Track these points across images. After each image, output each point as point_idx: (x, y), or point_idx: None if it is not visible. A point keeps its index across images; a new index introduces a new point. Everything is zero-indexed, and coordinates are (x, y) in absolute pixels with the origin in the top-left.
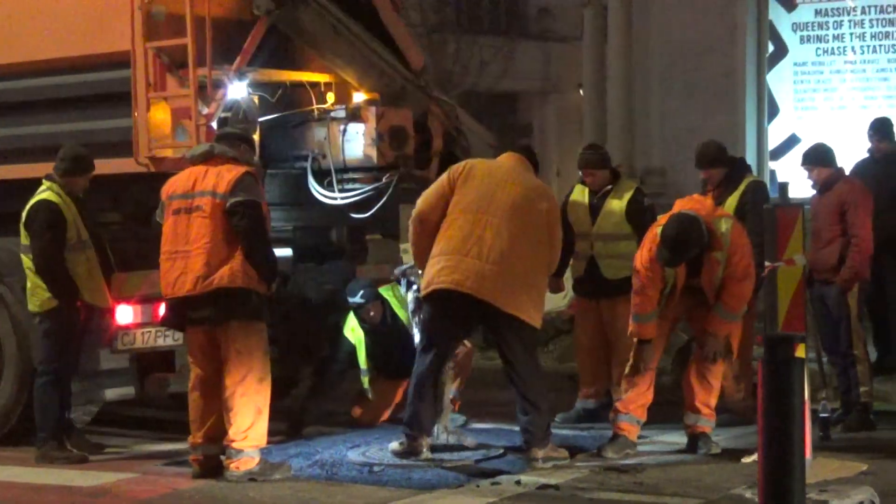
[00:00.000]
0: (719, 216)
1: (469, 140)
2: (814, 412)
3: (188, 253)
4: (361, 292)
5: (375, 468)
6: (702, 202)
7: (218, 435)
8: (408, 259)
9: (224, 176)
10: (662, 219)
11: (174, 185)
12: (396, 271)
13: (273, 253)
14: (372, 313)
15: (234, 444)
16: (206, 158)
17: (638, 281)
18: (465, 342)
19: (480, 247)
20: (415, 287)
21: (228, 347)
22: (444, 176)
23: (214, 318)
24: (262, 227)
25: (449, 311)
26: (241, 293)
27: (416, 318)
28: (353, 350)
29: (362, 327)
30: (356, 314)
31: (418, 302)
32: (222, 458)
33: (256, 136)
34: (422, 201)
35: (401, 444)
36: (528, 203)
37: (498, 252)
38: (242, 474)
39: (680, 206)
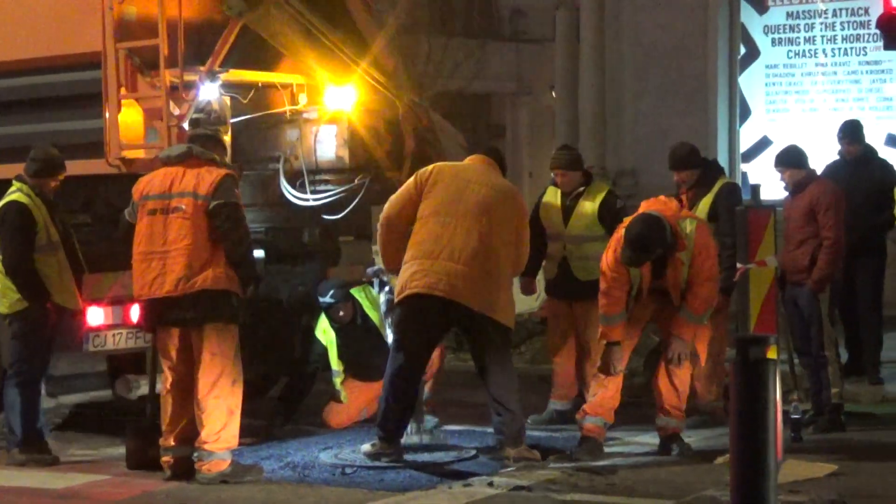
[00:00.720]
0: (684, 217)
1: (441, 141)
2: (785, 413)
3: (166, 254)
4: (332, 292)
5: (347, 470)
6: (667, 203)
7: (190, 437)
8: (380, 261)
9: (205, 177)
10: (628, 220)
11: (149, 186)
12: (369, 271)
13: (253, 255)
14: (342, 314)
15: (205, 446)
16: (184, 159)
17: (604, 282)
18: None
19: (452, 248)
20: (387, 288)
21: (202, 350)
22: (411, 180)
23: (193, 319)
24: (244, 230)
25: (423, 314)
26: (223, 296)
27: (389, 320)
28: (324, 351)
29: (333, 328)
30: (327, 314)
31: (390, 303)
32: (194, 459)
33: (228, 138)
34: (389, 206)
35: (373, 445)
36: (497, 204)
37: (469, 253)
38: (214, 476)
39: (646, 207)
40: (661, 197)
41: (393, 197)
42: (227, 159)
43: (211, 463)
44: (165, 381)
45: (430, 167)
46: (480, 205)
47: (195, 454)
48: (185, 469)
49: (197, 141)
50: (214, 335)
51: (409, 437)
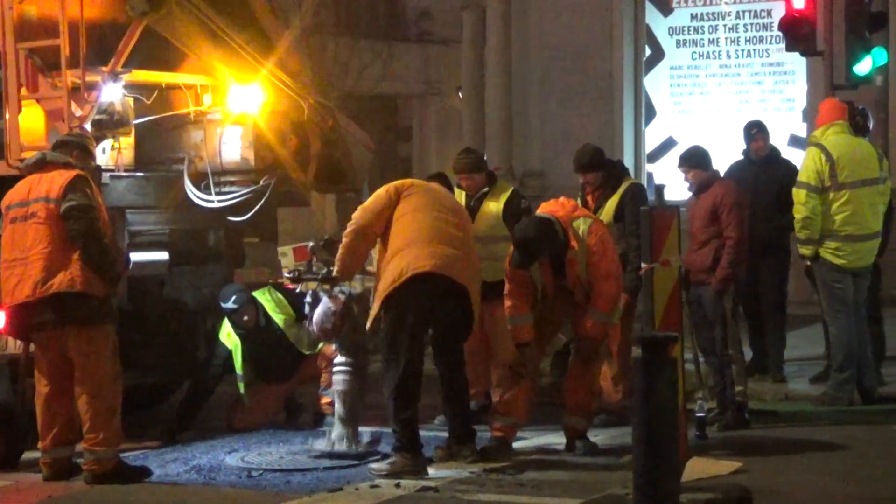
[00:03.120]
0: (578, 216)
1: (347, 142)
2: (690, 412)
3: (25, 259)
4: (234, 297)
5: (254, 473)
6: (563, 204)
7: (67, 438)
8: (286, 262)
9: (56, 181)
10: None
11: (11, 196)
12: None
13: (110, 254)
14: (245, 318)
15: (89, 447)
16: (41, 166)
17: (508, 284)
18: None
19: (448, 236)
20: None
21: (76, 352)
22: (386, 190)
23: (52, 322)
24: (95, 230)
25: (428, 294)
26: (80, 297)
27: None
28: (228, 355)
29: (237, 332)
30: (230, 319)
31: (316, 296)
32: (79, 461)
33: (131, 139)
34: (363, 213)
35: (391, 464)
36: (463, 209)
37: (460, 241)
38: (99, 476)
39: (542, 208)
40: (561, 198)
41: (365, 207)
42: (93, 163)
43: (95, 462)
44: (39, 383)
45: (404, 181)
46: (457, 207)
47: (86, 455)
48: (63, 470)
49: (61, 147)
50: (85, 337)
51: (339, 448)
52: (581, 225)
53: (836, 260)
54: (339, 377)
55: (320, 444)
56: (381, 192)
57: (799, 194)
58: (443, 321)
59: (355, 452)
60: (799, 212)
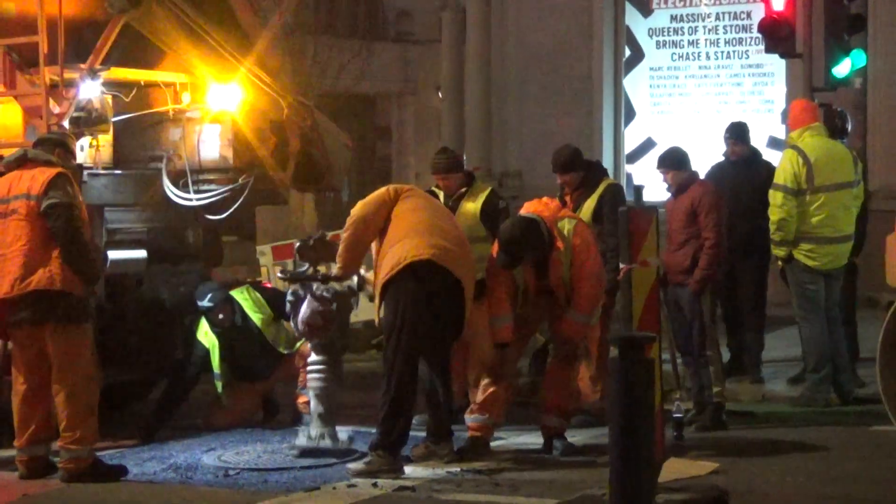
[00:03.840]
0: (562, 217)
1: (326, 141)
2: (667, 412)
3: (4, 256)
4: (209, 296)
5: (231, 472)
6: (547, 204)
7: (43, 437)
8: (264, 261)
9: (37, 178)
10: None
11: None
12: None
13: (90, 253)
14: (221, 317)
15: (65, 445)
16: (21, 164)
17: (489, 283)
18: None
19: (444, 232)
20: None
21: (54, 350)
22: (387, 189)
23: (30, 319)
24: (76, 228)
25: (426, 283)
26: (59, 296)
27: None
28: (206, 354)
29: (214, 331)
30: (206, 318)
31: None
32: (56, 460)
33: (110, 137)
34: (364, 207)
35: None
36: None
37: (457, 238)
38: (75, 474)
39: (526, 208)
40: (544, 198)
41: (367, 200)
42: (74, 161)
43: (72, 461)
44: (16, 381)
45: (399, 184)
46: (450, 213)
47: (62, 453)
48: (40, 468)
49: (42, 145)
50: (62, 335)
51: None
52: (566, 225)
53: (810, 262)
54: (314, 376)
55: (302, 441)
56: (381, 190)
57: (776, 196)
58: (437, 315)
59: (338, 449)
60: (775, 213)
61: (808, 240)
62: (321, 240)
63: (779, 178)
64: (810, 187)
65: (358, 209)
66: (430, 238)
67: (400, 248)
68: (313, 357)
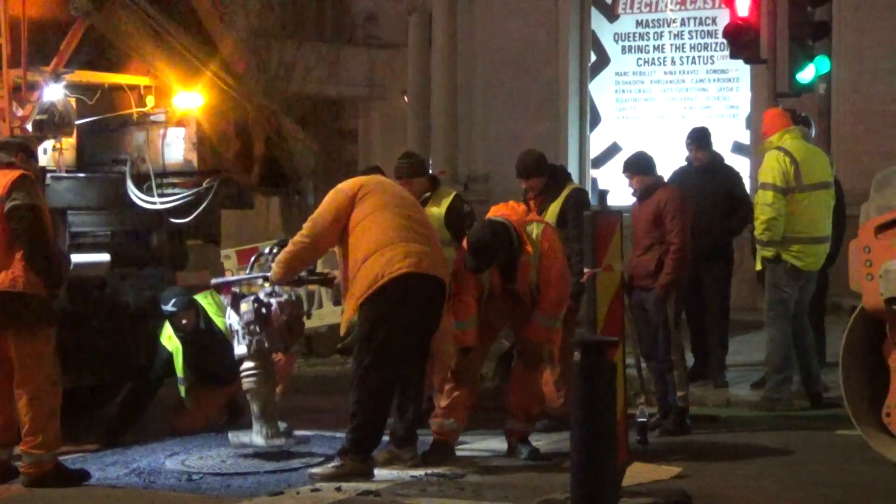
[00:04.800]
0: (531, 221)
1: (291, 145)
2: (631, 417)
3: None
4: (173, 300)
5: (194, 476)
6: (514, 208)
7: (5, 441)
8: (228, 265)
9: (0, 181)
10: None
11: None
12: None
13: (53, 255)
14: (185, 321)
15: (27, 449)
16: None
17: (455, 287)
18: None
19: (416, 233)
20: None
21: (16, 354)
22: (335, 199)
23: None
24: (39, 231)
25: (406, 296)
26: (21, 298)
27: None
28: (170, 358)
29: (178, 335)
30: (170, 323)
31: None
32: (17, 464)
33: (73, 140)
34: (313, 227)
35: (337, 467)
36: (413, 198)
37: (426, 236)
38: (37, 479)
39: (493, 212)
40: (511, 202)
41: (316, 217)
42: (37, 164)
43: (33, 465)
44: None
45: (350, 184)
46: (409, 197)
47: (24, 458)
48: (1, 473)
49: (3, 149)
50: (25, 339)
51: (258, 442)
52: (534, 229)
53: (798, 262)
54: (247, 379)
55: (240, 439)
56: (329, 203)
57: (765, 195)
58: (418, 322)
59: (273, 446)
60: (765, 213)
61: (795, 240)
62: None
63: (766, 178)
64: (798, 186)
65: (309, 229)
66: (402, 246)
67: (374, 263)
68: (247, 364)
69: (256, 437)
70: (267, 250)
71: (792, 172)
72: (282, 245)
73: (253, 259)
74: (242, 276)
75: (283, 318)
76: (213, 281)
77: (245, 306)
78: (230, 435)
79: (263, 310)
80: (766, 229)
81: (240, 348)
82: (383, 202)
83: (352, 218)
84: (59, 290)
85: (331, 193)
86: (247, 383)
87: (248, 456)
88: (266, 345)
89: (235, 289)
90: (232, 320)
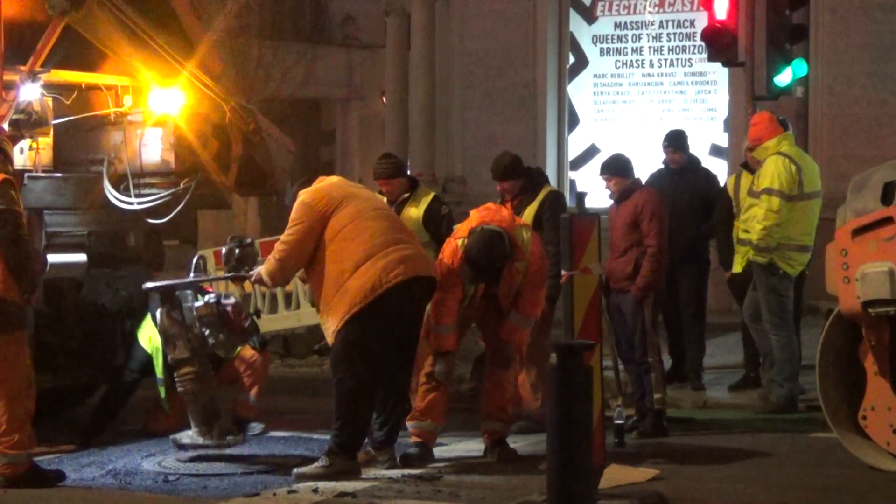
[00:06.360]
0: (519, 226)
1: (269, 145)
2: (608, 419)
3: None
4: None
5: (170, 477)
6: (500, 212)
7: None
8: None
9: None
10: (460, 229)
11: None
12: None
13: (30, 261)
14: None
15: (2, 450)
16: None
17: (438, 292)
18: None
19: (398, 236)
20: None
21: None
22: (305, 213)
23: None
24: (20, 236)
25: (403, 303)
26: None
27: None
28: (148, 358)
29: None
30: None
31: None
32: None
33: (50, 139)
34: (290, 245)
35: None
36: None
37: (409, 237)
38: (12, 479)
39: (477, 215)
40: (491, 205)
41: (288, 236)
42: (11, 167)
43: (9, 466)
44: None
45: (311, 195)
46: (379, 198)
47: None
48: None
49: None
50: (1, 342)
51: (234, 443)
52: (523, 234)
53: (789, 269)
54: (186, 382)
55: (184, 439)
56: (298, 218)
57: (771, 201)
58: (409, 325)
59: (213, 443)
60: (769, 219)
61: (790, 247)
62: (251, 245)
63: (774, 184)
64: (800, 193)
65: (283, 249)
66: (396, 252)
67: (367, 271)
68: (184, 368)
69: (199, 438)
70: (224, 250)
71: (797, 180)
72: (250, 244)
73: (224, 256)
74: (177, 280)
75: (240, 318)
76: (147, 285)
77: (205, 309)
78: (171, 438)
79: (223, 311)
80: (766, 235)
81: (179, 352)
82: (357, 210)
83: (329, 227)
84: (34, 295)
85: (298, 210)
86: (185, 385)
87: (225, 457)
88: (224, 345)
89: (187, 292)
90: (166, 324)
